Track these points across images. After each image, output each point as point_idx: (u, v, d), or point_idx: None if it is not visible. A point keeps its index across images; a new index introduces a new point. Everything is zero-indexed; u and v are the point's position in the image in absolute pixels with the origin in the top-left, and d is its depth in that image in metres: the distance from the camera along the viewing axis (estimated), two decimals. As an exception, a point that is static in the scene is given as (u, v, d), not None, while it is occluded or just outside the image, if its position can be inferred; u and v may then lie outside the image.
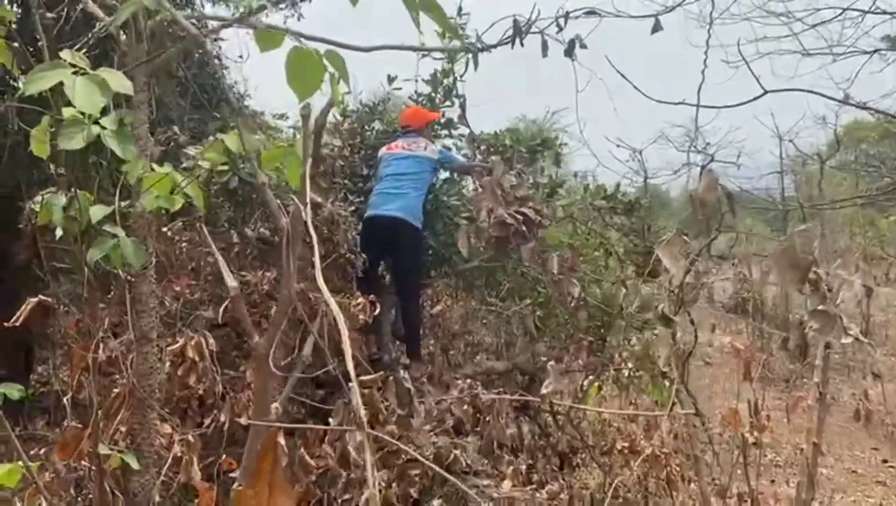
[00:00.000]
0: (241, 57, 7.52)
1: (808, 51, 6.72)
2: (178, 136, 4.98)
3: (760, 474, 5.55)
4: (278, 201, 1.33)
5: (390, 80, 6.23)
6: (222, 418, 4.31)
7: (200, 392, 4.37)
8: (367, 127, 6.30)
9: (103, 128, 1.88)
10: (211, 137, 5.41)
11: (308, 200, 1.10)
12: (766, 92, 5.37)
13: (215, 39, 6.75)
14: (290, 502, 0.97)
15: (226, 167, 4.76)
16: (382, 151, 5.69)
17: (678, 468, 4.69)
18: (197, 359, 4.32)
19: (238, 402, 4.36)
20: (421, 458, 1.32)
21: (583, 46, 3.75)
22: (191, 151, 4.21)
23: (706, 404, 7.90)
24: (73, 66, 1.70)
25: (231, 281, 1.16)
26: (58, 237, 2.23)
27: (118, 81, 1.75)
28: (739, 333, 11.71)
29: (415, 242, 5.40)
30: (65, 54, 1.72)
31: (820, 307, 2.70)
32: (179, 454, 3.59)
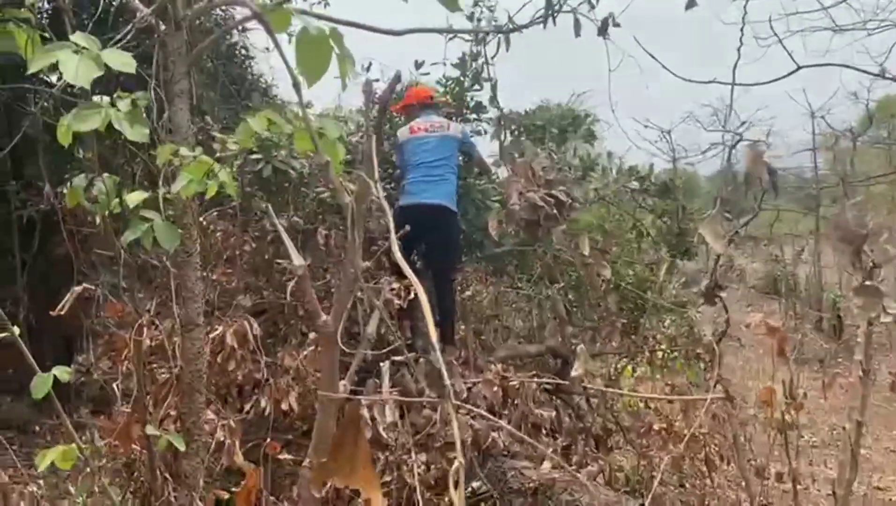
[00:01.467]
0: (267, 49, 7.58)
1: (841, 26, 6.56)
2: (210, 126, 5.03)
3: (798, 455, 5.49)
4: (340, 179, 1.34)
5: (417, 65, 6.21)
6: (262, 404, 4.37)
7: (240, 378, 4.44)
8: (395, 113, 6.29)
9: (116, 111, 1.87)
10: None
11: (377, 175, 1.11)
12: (799, 67, 5.27)
13: (243, 30, 6.80)
14: (373, 476, 0.98)
15: (259, 156, 4.83)
16: (403, 132, 5.57)
17: (717, 449, 4.67)
18: (236, 346, 4.39)
19: (277, 387, 4.42)
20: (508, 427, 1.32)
21: (616, 25, 3.71)
22: (218, 135, 4.24)
23: (740, 386, 7.83)
24: (79, 46, 1.69)
25: (298, 259, 1.18)
26: (95, 223, 2.27)
27: (118, 59, 1.74)
28: (772, 313, 11.57)
29: (455, 228, 5.40)
30: (75, 37, 1.72)
31: (866, 283, 2.64)
32: (222, 439, 3.66)
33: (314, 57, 1.22)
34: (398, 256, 1.09)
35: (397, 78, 1.60)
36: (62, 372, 1.76)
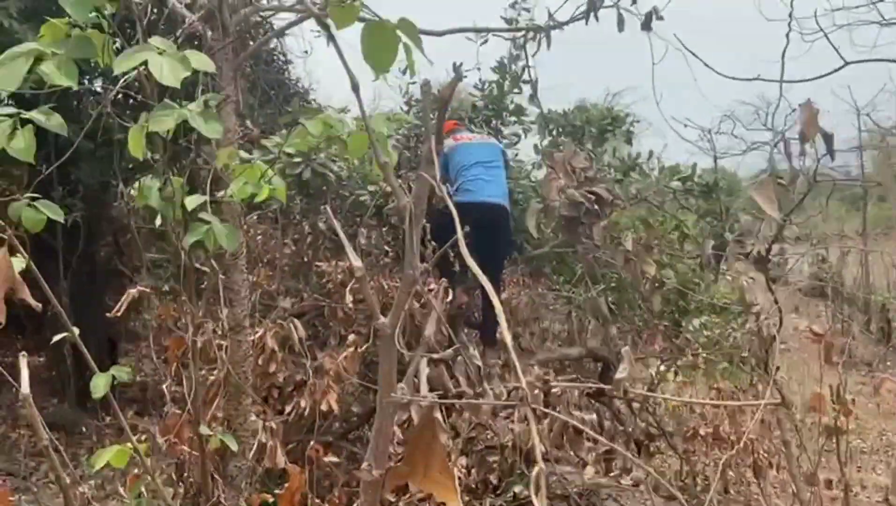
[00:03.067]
0: (305, 52, 7.67)
1: (889, 20, 6.37)
2: (251, 130, 5.08)
3: (847, 461, 5.34)
4: (400, 182, 1.32)
5: (455, 67, 6.18)
6: (303, 405, 4.39)
7: (280, 380, 4.47)
8: (431, 117, 6.27)
9: (190, 111, 1.91)
10: (283, 131, 5.55)
11: (438, 175, 1.09)
12: (846, 63, 5.13)
13: (282, 35, 6.86)
14: (449, 479, 0.96)
15: (299, 159, 4.87)
16: (449, 143, 5.55)
17: (766, 455, 4.56)
18: (276, 348, 4.42)
19: (317, 389, 4.43)
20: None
21: (659, 18, 3.65)
22: (267, 143, 4.29)
23: (786, 390, 7.62)
24: (160, 49, 1.73)
25: (357, 261, 1.17)
26: (157, 225, 2.30)
27: (199, 60, 1.78)
28: (818, 316, 11.31)
29: (510, 229, 5.39)
30: (154, 40, 1.76)
31: None
32: (263, 441, 3.68)
33: (382, 47, 1.22)
34: (468, 257, 1.06)
35: (458, 77, 1.58)
36: (120, 372, 1.77)
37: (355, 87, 1.14)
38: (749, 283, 5.03)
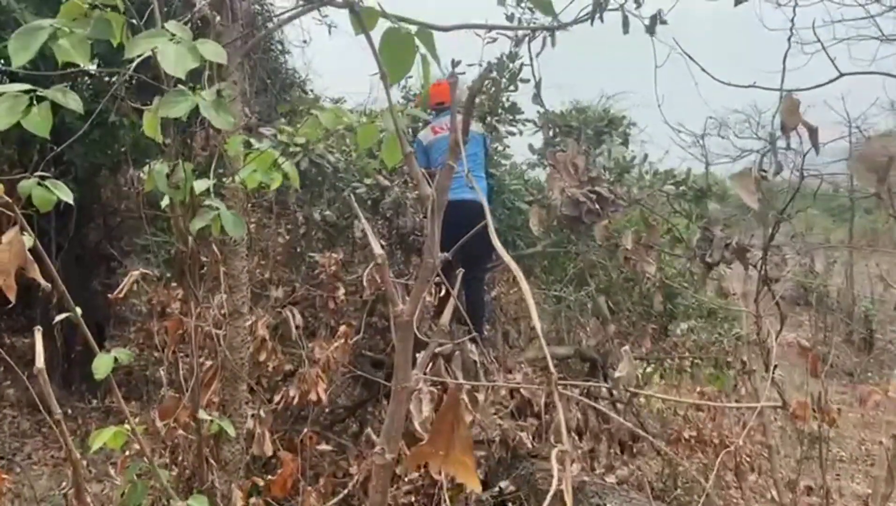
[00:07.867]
0: (304, 42, 7.66)
1: (887, 35, 6.48)
2: (249, 118, 5.06)
3: (826, 469, 5.40)
4: (422, 170, 1.34)
5: (454, 64, 6.19)
6: (292, 393, 4.39)
7: (270, 369, 4.47)
8: (429, 111, 6.29)
9: (203, 99, 1.90)
10: (281, 120, 5.54)
11: (466, 166, 1.12)
12: (841, 75, 5.19)
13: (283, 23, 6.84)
14: (470, 462, 0.98)
15: (297, 148, 4.86)
16: (426, 134, 5.46)
17: (748, 459, 4.63)
18: (267, 337, 4.42)
19: (307, 378, 4.44)
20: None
21: (663, 22, 3.68)
22: (265, 132, 4.28)
23: (765, 396, 7.69)
24: (173, 35, 1.72)
25: (378, 249, 1.19)
26: (161, 208, 2.30)
27: (212, 50, 1.77)
28: (800, 325, 11.44)
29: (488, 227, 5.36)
30: (170, 25, 1.75)
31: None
32: (252, 428, 3.69)
33: (399, 55, 1.24)
34: (498, 245, 1.09)
35: (488, 70, 1.60)
36: (123, 354, 1.78)
37: (384, 78, 1.16)
38: (735, 297, 5.09)
